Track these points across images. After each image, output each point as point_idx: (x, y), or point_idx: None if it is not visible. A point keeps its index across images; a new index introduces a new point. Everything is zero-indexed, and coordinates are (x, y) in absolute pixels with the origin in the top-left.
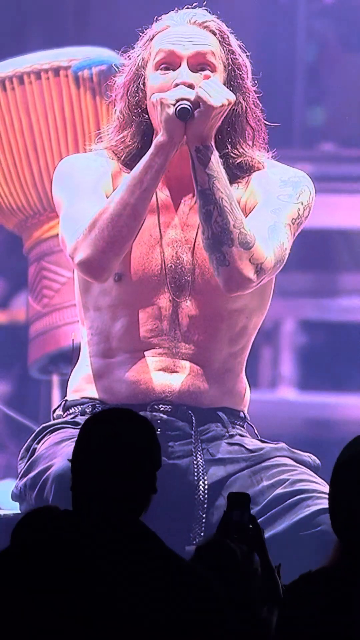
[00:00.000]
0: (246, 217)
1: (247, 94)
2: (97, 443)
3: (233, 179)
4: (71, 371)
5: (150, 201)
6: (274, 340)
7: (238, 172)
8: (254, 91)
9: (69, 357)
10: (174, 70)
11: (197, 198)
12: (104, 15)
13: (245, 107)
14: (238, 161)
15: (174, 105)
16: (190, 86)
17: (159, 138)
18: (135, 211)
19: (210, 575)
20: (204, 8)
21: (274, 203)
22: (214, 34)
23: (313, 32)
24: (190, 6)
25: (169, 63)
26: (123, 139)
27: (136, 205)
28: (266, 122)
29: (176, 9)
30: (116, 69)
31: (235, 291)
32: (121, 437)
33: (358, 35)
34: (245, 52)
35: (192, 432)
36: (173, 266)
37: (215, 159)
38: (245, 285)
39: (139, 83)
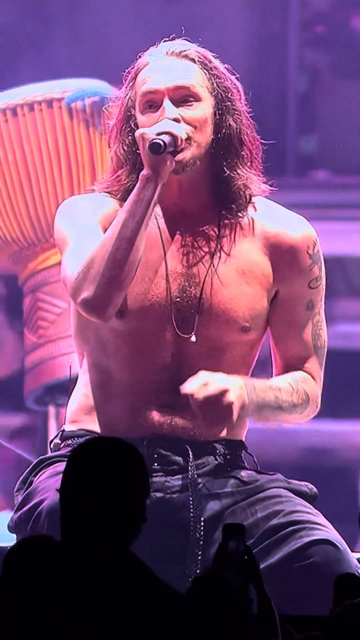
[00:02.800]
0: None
1: (238, 115)
2: (84, 472)
3: (233, 204)
4: (68, 399)
5: (145, 233)
6: (270, 367)
7: (238, 198)
8: (247, 111)
9: (65, 388)
10: (157, 107)
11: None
12: (97, 47)
13: (237, 128)
14: (238, 184)
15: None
16: (176, 120)
17: (144, 171)
18: (132, 244)
19: (201, 606)
20: (183, 38)
21: (306, 293)
22: (194, 62)
23: (305, 61)
24: (167, 39)
25: (152, 101)
26: (119, 178)
27: (132, 239)
28: (263, 142)
29: (156, 44)
30: (108, 101)
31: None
32: (108, 466)
33: (350, 64)
34: (234, 74)
35: (189, 467)
36: (179, 300)
37: (256, 406)
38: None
39: (130, 123)
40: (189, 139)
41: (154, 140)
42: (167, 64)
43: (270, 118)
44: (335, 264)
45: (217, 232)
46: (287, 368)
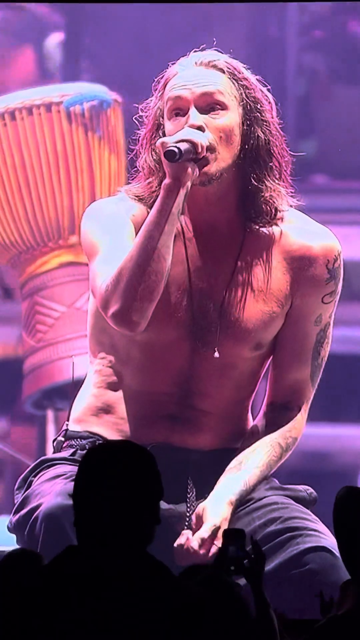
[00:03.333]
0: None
1: (267, 126)
2: (97, 476)
3: (260, 217)
4: (74, 397)
5: (172, 242)
6: (267, 371)
7: (264, 211)
8: (278, 123)
9: (63, 392)
10: (184, 115)
11: None
12: (95, 51)
13: (266, 139)
14: (265, 196)
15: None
16: (200, 128)
17: (166, 180)
18: (160, 255)
19: (217, 607)
20: (214, 48)
21: (318, 307)
22: (222, 71)
23: (303, 65)
24: (197, 49)
25: (179, 109)
26: (150, 185)
27: (159, 249)
28: (293, 154)
29: (187, 53)
30: (107, 105)
31: None
32: (121, 469)
33: (348, 68)
34: (266, 85)
35: (188, 478)
36: (200, 316)
37: (242, 497)
38: None
39: (159, 132)
40: (213, 148)
41: (169, 148)
42: (195, 72)
43: None
44: None
45: (240, 248)
46: (277, 395)
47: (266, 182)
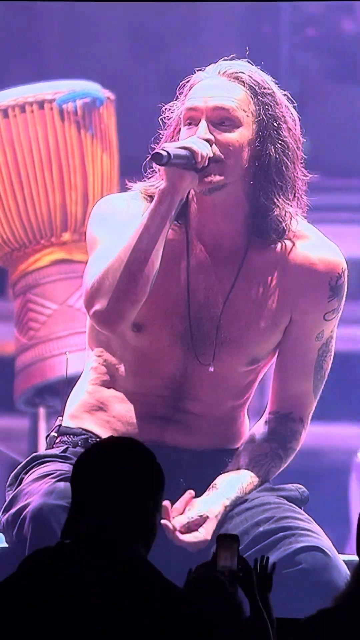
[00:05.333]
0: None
1: (282, 145)
2: (97, 472)
3: (266, 235)
4: (70, 392)
5: (161, 247)
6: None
7: (272, 229)
8: (298, 142)
9: (55, 389)
10: (196, 125)
11: None
12: (88, 49)
13: (277, 158)
14: (273, 215)
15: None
16: (207, 141)
17: (161, 185)
18: (147, 258)
19: (207, 608)
20: (246, 60)
21: (320, 324)
22: (243, 84)
23: (296, 64)
24: (227, 58)
25: (192, 118)
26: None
27: (147, 252)
28: (307, 174)
29: (218, 60)
30: (100, 103)
31: None
32: (121, 464)
33: (341, 67)
34: (293, 103)
35: (181, 477)
36: (197, 327)
37: (236, 500)
38: None
39: (177, 137)
40: (218, 159)
41: (157, 150)
42: (215, 83)
43: None
44: None
45: (242, 262)
46: (279, 405)
47: (276, 200)
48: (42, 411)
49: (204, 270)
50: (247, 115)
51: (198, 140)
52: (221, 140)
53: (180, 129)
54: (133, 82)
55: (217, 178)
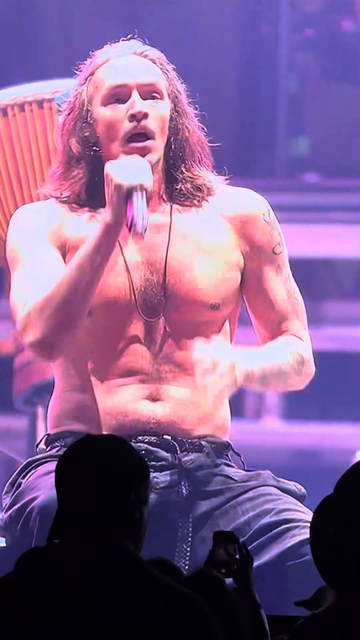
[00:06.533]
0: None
1: (188, 118)
2: (81, 468)
3: (191, 199)
4: (47, 407)
5: (102, 275)
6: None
7: (196, 192)
8: (195, 113)
9: (53, 389)
10: (124, 102)
11: None
12: (87, 48)
13: (190, 130)
14: (197, 183)
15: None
16: (145, 115)
17: (107, 218)
18: (89, 289)
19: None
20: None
21: (273, 259)
22: (154, 63)
23: (295, 63)
24: (125, 38)
25: (119, 94)
26: (69, 181)
27: (89, 283)
28: (210, 145)
29: (109, 42)
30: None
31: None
32: (105, 460)
33: (340, 66)
34: (180, 80)
35: (177, 463)
36: (142, 289)
37: (260, 374)
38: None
39: (86, 119)
40: (151, 137)
41: (143, 226)
42: (133, 61)
43: (260, 120)
44: (325, 267)
45: (170, 220)
46: (271, 336)
47: (193, 170)
48: (40, 410)
49: (136, 241)
50: (165, 91)
51: (139, 166)
52: (154, 114)
53: (86, 110)
54: None
55: (155, 156)
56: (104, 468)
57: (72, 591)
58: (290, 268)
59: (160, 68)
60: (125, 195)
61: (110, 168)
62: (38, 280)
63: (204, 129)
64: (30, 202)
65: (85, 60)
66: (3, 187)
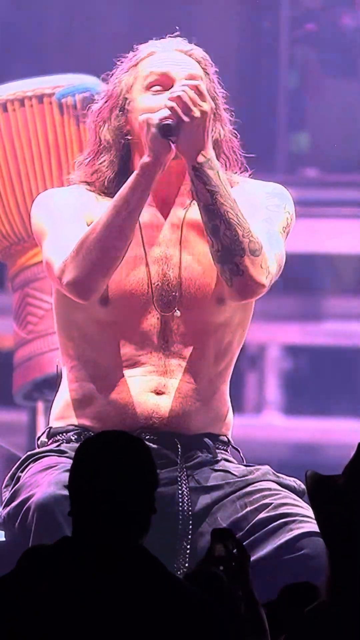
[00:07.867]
0: None
1: (225, 123)
2: (93, 467)
3: None
4: (54, 398)
5: (137, 221)
6: (259, 364)
7: None
8: (231, 121)
9: (53, 384)
10: (166, 91)
11: (202, 214)
12: (87, 43)
13: (223, 134)
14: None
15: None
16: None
17: (145, 158)
18: (122, 232)
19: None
20: (183, 38)
21: (263, 213)
22: (199, 63)
23: (295, 58)
24: (171, 35)
25: (162, 84)
26: (98, 168)
27: (123, 226)
28: (245, 155)
29: (154, 38)
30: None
31: (249, 298)
32: (117, 459)
33: (340, 61)
34: (221, 85)
35: (178, 460)
36: (159, 284)
37: (214, 173)
38: (259, 291)
39: (123, 107)
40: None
41: (165, 122)
42: (179, 57)
43: (260, 115)
44: (325, 262)
45: (184, 214)
46: None
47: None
48: (40, 405)
49: (156, 229)
50: (205, 91)
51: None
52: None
53: (125, 98)
54: None
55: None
56: (121, 477)
57: (84, 591)
58: (290, 263)
59: (204, 69)
60: (161, 128)
61: (143, 116)
62: (72, 237)
63: (237, 135)
64: (30, 197)
65: (85, 56)
66: (3, 182)
